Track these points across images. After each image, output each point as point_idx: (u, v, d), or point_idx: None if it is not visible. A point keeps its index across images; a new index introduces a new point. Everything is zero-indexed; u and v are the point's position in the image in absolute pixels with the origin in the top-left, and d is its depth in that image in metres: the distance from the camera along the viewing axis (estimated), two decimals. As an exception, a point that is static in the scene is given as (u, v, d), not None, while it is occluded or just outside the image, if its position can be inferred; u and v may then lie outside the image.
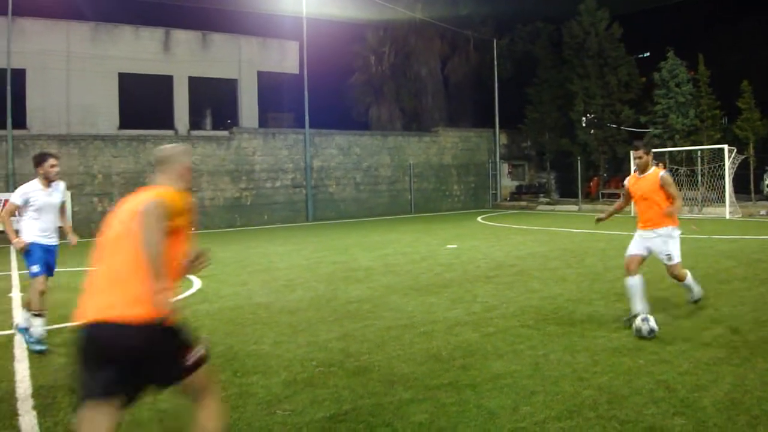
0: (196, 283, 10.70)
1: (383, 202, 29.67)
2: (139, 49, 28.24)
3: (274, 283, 10.68)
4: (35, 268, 7.07)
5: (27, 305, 6.94)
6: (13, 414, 4.89)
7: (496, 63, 33.96)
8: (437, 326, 7.23)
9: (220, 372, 5.65)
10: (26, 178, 21.49)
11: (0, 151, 22.52)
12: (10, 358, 6.53)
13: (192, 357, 3.36)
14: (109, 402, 3.20)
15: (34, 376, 5.81)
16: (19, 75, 24.57)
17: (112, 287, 3.32)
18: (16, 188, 20.52)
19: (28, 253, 7.10)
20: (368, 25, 34.82)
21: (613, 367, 5.54)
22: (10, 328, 7.98)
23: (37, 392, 5.35)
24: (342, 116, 35.08)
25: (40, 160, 7.23)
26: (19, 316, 6.73)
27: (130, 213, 3.37)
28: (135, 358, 3.23)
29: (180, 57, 29.23)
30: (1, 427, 4.64)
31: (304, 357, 6.15)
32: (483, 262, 12.64)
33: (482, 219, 24.84)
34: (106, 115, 26.98)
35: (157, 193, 3.37)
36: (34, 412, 4.89)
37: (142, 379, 3.32)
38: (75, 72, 26.60)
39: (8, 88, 22.47)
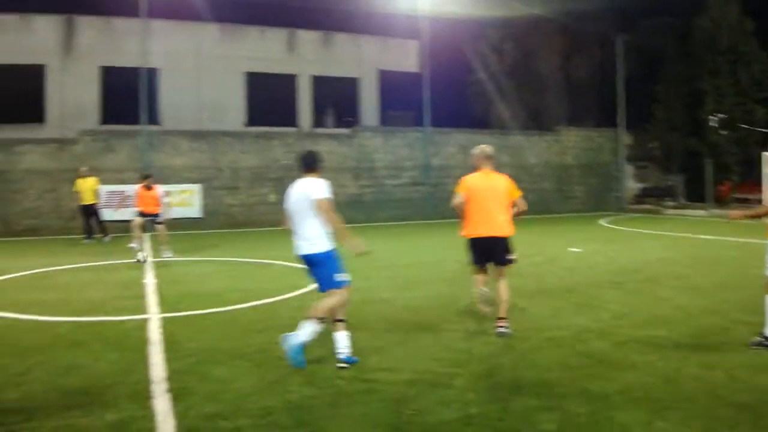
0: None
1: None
2: (265, 49, 29.17)
3: (396, 280, 10.76)
4: (345, 276, 6.18)
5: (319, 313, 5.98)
6: (148, 396, 5.09)
7: (619, 60, 32.83)
8: (564, 332, 7.03)
9: (345, 368, 5.74)
10: (159, 172, 22.84)
11: (135, 146, 23.79)
12: (145, 341, 6.85)
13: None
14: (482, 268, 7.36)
15: (168, 360, 6.06)
16: (153, 74, 25.89)
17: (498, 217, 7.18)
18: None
19: (339, 258, 6.19)
20: (488, 23, 34.49)
21: (753, 386, 5.19)
22: (145, 312, 8.42)
23: (171, 376, 5.56)
24: (462, 114, 34.95)
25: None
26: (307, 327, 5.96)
27: (505, 185, 7.33)
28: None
29: (304, 56, 29.99)
30: (137, 408, 4.83)
31: (429, 356, 6.12)
32: (608, 266, 12.25)
33: (605, 222, 24.09)
34: (234, 113, 28.04)
35: (506, 177, 7.43)
36: (168, 395, 5.08)
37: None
38: (205, 71, 27.77)
39: (143, 86, 23.75)
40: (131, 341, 6.90)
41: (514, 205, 7.38)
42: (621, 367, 5.72)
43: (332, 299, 5.95)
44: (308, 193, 5.95)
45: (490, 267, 7.44)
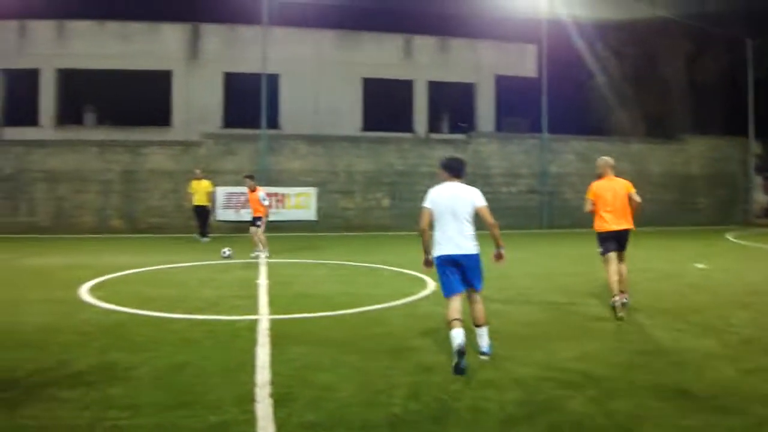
0: (431, 284, 10.72)
1: (621, 212, 28.12)
2: (382, 55, 29.33)
3: (508, 292, 10.37)
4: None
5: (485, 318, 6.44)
6: (250, 399, 5.05)
7: (749, 63, 30.87)
8: (687, 356, 6.45)
9: (452, 382, 5.51)
10: (278, 174, 23.31)
11: (255, 149, 24.44)
12: (253, 342, 6.86)
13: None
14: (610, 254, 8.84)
15: (273, 364, 6.02)
16: (274, 80, 26.53)
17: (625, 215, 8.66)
18: (270, 183, 22.38)
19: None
20: (609, 25, 33.25)
21: None
22: (256, 313, 8.48)
23: (275, 380, 5.50)
24: (580, 121, 33.87)
25: None
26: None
27: (625, 186, 8.73)
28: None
29: (420, 62, 29.95)
30: (239, 412, 4.79)
31: (541, 376, 5.75)
32: (736, 285, 11.36)
33: (732, 237, 22.63)
34: (351, 118, 28.32)
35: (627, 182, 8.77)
36: (271, 400, 5.02)
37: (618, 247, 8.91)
38: (323, 77, 28.21)
39: (263, 91, 24.36)
40: (240, 342, 6.94)
41: (630, 199, 8.71)
42: (752, 399, 5.16)
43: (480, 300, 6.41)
44: (472, 199, 6.35)
45: (613, 254, 8.75)
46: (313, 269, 13.55)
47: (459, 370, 5.66)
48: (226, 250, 15.30)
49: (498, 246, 6.58)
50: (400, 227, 23.73)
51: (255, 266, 13.61)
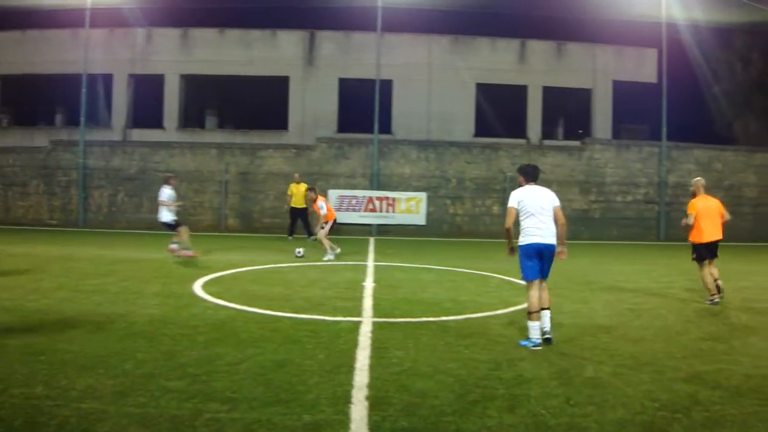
0: (537, 294, 10.48)
1: (746, 227, 26.44)
2: (496, 60, 29.00)
3: (617, 306, 9.94)
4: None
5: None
6: (346, 401, 5.04)
7: None
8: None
9: (551, 397, 5.30)
10: (389, 179, 23.49)
11: (367, 153, 24.70)
12: (354, 344, 6.87)
13: None
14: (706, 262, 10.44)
15: (372, 367, 5.99)
16: (386, 85, 26.74)
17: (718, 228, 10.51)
18: (380, 187, 22.72)
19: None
20: (734, 29, 31.53)
21: None
22: (359, 315, 8.50)
23: (373, 384, 5.48)
24: (703, 129, 32.33)
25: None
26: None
27: (717, 204, 10.58)
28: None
29: (535, 67, 29.41)
30: (334, 412, 4.80)
31: (645, 395, 5.42)
32: None
33: None
34: (463, 123, 28.16)
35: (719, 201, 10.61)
36: (366, 403, 4.99)
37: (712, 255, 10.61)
38: (436, 82, 28.21)
39: (377, 97, 24.58)
40: (341, 343, 6.96)
41: (722, 215, 10.68)
42: None
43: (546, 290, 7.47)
44: (552, 199, 7.58)
45: (708, 261, 10.50)
46: (420, 274, 13.50)
47: (548, 341, 7.12)
48: (300, 250, 15.94)
49: (562, 244, 7.54)
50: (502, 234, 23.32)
51: (363, 269, 13.70)
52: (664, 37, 26.24)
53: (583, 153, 25.72)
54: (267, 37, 27.94)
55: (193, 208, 24.55)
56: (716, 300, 10.16)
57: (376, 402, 5.01)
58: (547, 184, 24.25)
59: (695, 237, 10.62)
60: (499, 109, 29.67)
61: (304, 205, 21.07)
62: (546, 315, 7.23)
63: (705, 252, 10.51)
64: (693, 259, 10.71)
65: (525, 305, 7.42)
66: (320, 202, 16.21)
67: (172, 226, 14.82)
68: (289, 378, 5.59)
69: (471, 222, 24.90)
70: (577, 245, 22.46)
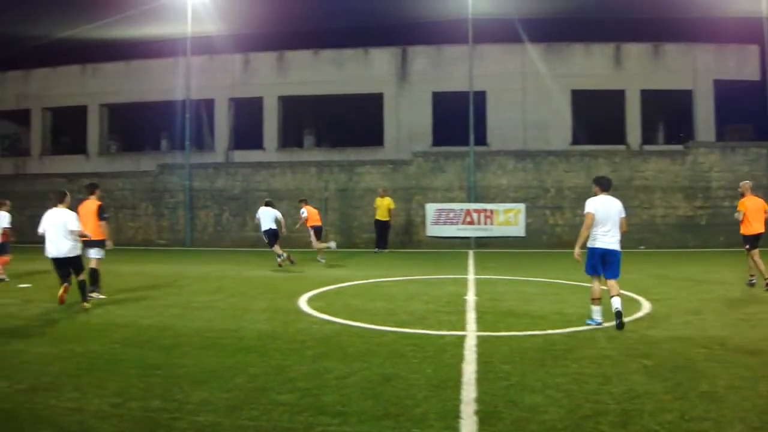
0: (645, 305, 10.14)
1: None
2: (591, 66, 28.37)
3: (731, 315, 9.48)
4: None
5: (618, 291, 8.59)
6: (455, 416, 5.01)
7: None
8: None
9: (665, 413, 5.11)
10: (486, 191, 23.35)
11: (463, 166, 24.63)
12: (460, 358, 6.83)
13: None
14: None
15: (479, 381, 5.93)
16: (480, 96, 26.61)
17: (761, 222, 12.70)
18: (478, 199, 22.72)
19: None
20: None
21: None
22: (463, 329, 8.46)
23: (481, 398, 5.42)
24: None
25: None
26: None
27: (762, 204, 12.83)
28: None
29: (631, 71, 28.57)
30: (443, 427, 4.77)
31: (764, 410, 5.15)
32: None
33: None
34: (559, 131, 27.68)
35: (762, 200, 13.04)
36: (476, 418, 4.95)
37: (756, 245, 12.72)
38: (530, 91, 27.85)
39: (471, 109, 24.51)
40: (447, 357, 6.93)
41: (765, 211, 12.77)
42: None
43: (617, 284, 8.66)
44: (620, 209, 8.81)
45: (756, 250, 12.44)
46: (522, 286, 13.31)
47: (620, 325, 8.26)
48: (332, 244, 18.06)
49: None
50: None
51: (464, 282, 13.64)
52: (766, 33, 25.01)
53: (686, 157, 24.77)
54: (360, 55, 28.36)
55: (294, 225, 25.07)
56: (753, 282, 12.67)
57: (485, 417, 4.96)
58: (650, 191, 23.57)
59: (744, 230, 12.87)
60: (596, 116, 29.00)
61: (388, 218, 22.27)
62: (616, 300, 8.40)
63: (752, 241, 12.64)
64: (746, 249, 12.75)
65: (634, 317, 7.28)
66: (303, 208, 18.93)
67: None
68: (396, 392, 5.62)
69: (571, 232, 24.31)
70: (684, 253, 21.67)
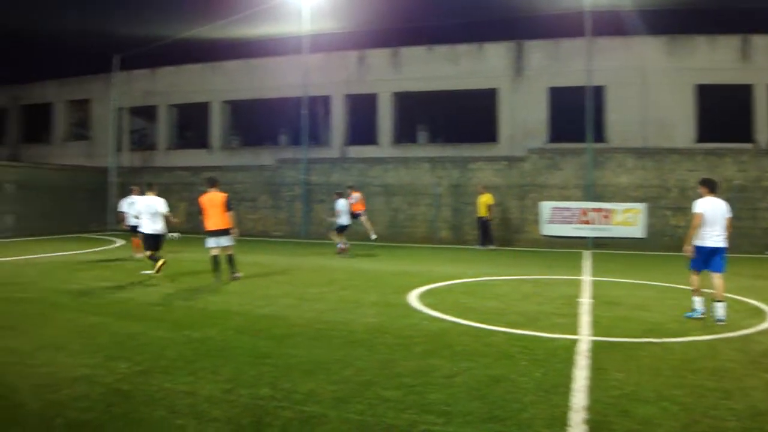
0: (773, 316, 9.56)
1: None
2: (716, 59, 26.87)
3: None
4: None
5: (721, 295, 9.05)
6: (564, 423, 4.88)
7: None
8: None
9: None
10: (604, 189, 22.71)
11: (580, 163, 23.98)
12: (571, 363, 6.64)
13: None
14: None
15: (591, 388, 5.75)
16: (599, 92, 25.76)
17: None
18: (595, 198, 22.27)
19: None
20: None
21: None
22: (576, 332, 8.21)
23: (592, 407, 5.25)
24: None
25: None
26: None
27: None
28: None
29: (760, 64, 26.83)
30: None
31: None
32: None
33: None
34: (682, 128, 26.42)
35: None
36: (585, 427, 4.80)
37: None
38: (651, 86, 26.70)
39: (588, 104, 23.82)
40: (557, 361, 6.76)
41: None
42: None
43: (722, 281, 9.10)
44: (726, 210, 9.24)
45: None
46: (640, 290, 12.81)
47: (720, 320, 8.80)
48: (372, 235, 18.82)
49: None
50: (736, 248, 21.47)
51: (578, 283, 13.28)
52: None
53: (823, 156, 23.12)
54: (474, 50, 28.05)
55: (407, 220, 25.29)
56: None
57: (596, 427, 4.80)
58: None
59: None
60: (721, 112, 27.46)
61: (486, 214, 22.41)
62: (719, 306, 8.87)
63: None
64: None
65: (759, 328, 7.07)
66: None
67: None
68: (504, 394, 5.52)
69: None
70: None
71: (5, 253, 18.37)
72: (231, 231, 12.94)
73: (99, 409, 5.10)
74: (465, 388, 5.66)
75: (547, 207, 23.30)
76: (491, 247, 22.32)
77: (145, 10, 26.63)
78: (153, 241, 13.72)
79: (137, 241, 16.13)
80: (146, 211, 13.77)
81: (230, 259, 13.07)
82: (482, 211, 22.52)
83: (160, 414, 5.01)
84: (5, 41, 36.24)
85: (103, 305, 10.02)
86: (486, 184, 23.64)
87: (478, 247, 22.54)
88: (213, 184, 13.11)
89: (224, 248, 13.03)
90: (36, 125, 38.11)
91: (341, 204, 19.52)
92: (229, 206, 12.93)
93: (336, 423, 4.83)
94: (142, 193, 15.54)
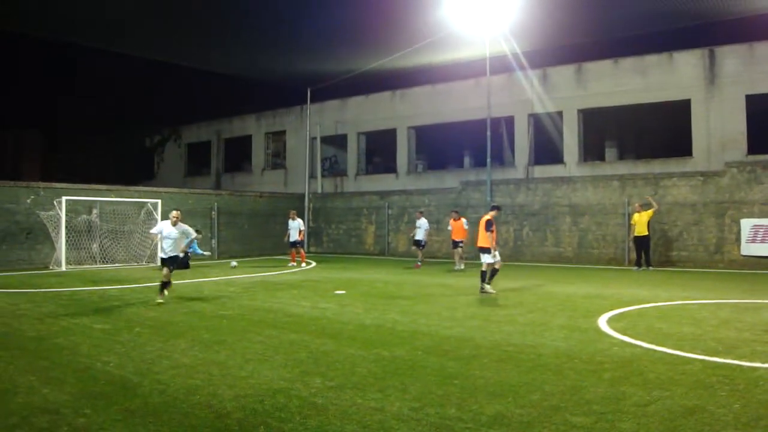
0: None
1: None
2: None
3: None
4: None
5: None
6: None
7: None
8: None
9: None
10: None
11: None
12: None
13: None
14: None
15: None
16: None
17: None
18: None
19: None
20: None
21: None
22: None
23: None
24: None
25: None
26: None
27: None
28: None
29: None
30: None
31: None
32: None
33: None
34: None
35: None
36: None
37: None
38: None
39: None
40: (759, 393, 6.36)
41: None
42: None
43: None
44: None
45: None
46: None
47: None
48: (496, 253, 18.49)
49: None
50: None
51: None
52: None
53: None
54: (663, 61, 26.80)
55: (595, 241, 24.62)
56: None
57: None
58: None
59: None
60: None
61: (647, 233, 21.69)
62: None
63: None
64: None
65: None
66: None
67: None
68: (700, 427, 5.33)
69: None
70: None
71: (209, 274, 20.13)
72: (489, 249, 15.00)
73: (295, 421, 5.54)
74: (658, 418, 5.52)
75: (747, 225, 21.70)
76: (651, 268, 21.64)
77: (336, 46, 28.20)
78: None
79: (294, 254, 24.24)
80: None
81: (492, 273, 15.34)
82: (642, 230, 21.71)
83: (351, 428, 5.35)
84: (208, 81, 39.88)
85: (301, 324, 10.74)
86: (642, 202, 22.87)
87: (636, 269, 21.78)
88: (493, 208, 16.10)
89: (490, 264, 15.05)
90: (237, 156, 41.55)
91: (421, 222, 23.65)
92: (487, 228, 15.05)
93: (525, 448, 4.93)
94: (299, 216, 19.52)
